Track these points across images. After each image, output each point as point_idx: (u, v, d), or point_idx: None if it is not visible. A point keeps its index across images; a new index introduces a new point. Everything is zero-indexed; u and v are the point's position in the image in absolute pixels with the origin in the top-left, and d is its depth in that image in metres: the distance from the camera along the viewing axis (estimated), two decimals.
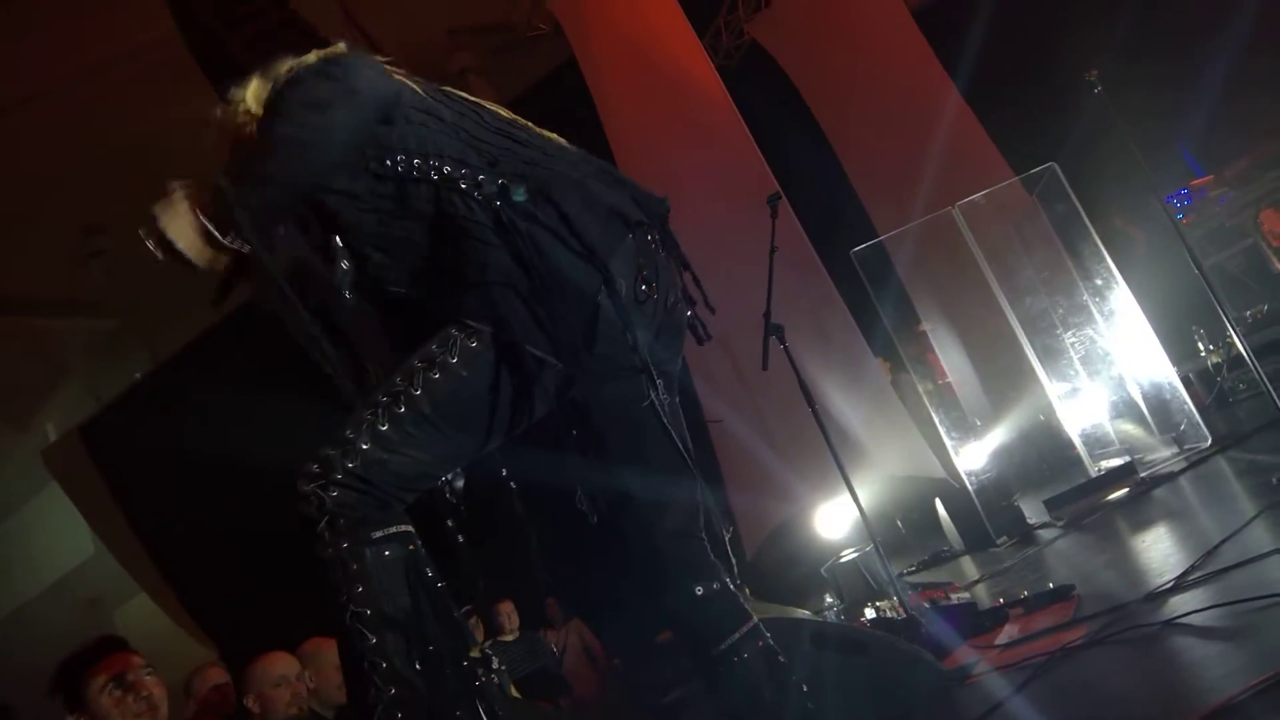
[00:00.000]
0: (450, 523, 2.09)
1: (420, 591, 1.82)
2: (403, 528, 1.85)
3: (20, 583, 11.44)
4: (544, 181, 1.89)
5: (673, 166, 6.44)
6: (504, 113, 2.10)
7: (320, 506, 1.78)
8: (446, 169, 1.89)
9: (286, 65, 1.87)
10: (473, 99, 2.10)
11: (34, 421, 11.11)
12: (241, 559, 8.45)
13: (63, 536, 11.27)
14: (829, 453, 3.97)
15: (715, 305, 2.23)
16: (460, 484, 2.06)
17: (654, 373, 1.94)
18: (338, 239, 1.97)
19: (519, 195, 1.87)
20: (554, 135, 2.10)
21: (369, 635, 1.75)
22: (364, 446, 1.80)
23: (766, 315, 4.77)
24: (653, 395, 1.94)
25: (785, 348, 4.69)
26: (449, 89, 2.11)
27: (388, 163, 1.91)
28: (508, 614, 6.74)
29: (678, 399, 2.18)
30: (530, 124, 2.09)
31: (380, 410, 1.83)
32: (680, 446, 2.03)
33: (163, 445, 9.33)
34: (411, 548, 1.85)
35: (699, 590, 2.04)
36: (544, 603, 7.28)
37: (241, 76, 1.90)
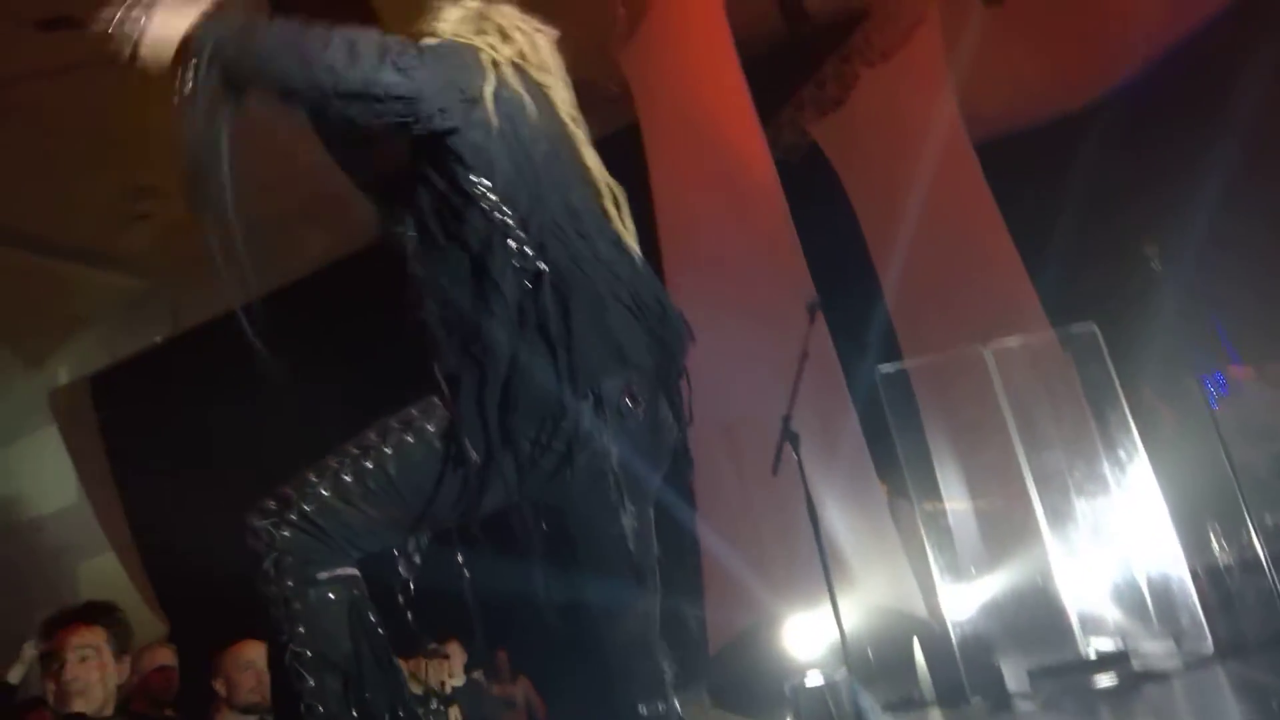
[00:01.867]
0: (400, 597, 2.01)
1: (361, 636, 1.81)
2: (348, 571, 1.83)
3: None
4: (572, 289, 1.84)
5: (714, 246, 6.42)
6: (592, 164, 2.02)
7: (270, 544, 1.77)
8: (510, 222, 1.84)
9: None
10: (574, 135, 2.01)
11: (48, 361, 11.19)
12: (214, 543, 8.37)
13: (48, 479, 11.28)
14: (814, 566, 3.87)
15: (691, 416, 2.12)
16: (417, 562, 2.00)
17: (624, 486, 1.88)
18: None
19: (544, 296, 1.82)
20: (624, 226, 2.02)
21: (307, 677, 1.74)
22: (323, 492, 1.79)
23: (786, 419, 4.75)
24: (621, 509, 1.89)
25: (798, 457, 4.62)
26: (568, 118, 2.01)
27: (471, 177, 1.84)
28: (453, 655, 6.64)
29: (651, 510, 2.10)
30: (610, 201, 2.02)
31: (347, 461, 1.82)
32: (641, 560, 1.97)
33: (165, 413, 9.36)
34: (356, 592, 1.84)
35: (643, 710, 1.98)
36: (494, 653, 7.18)
37: None
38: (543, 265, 1.83)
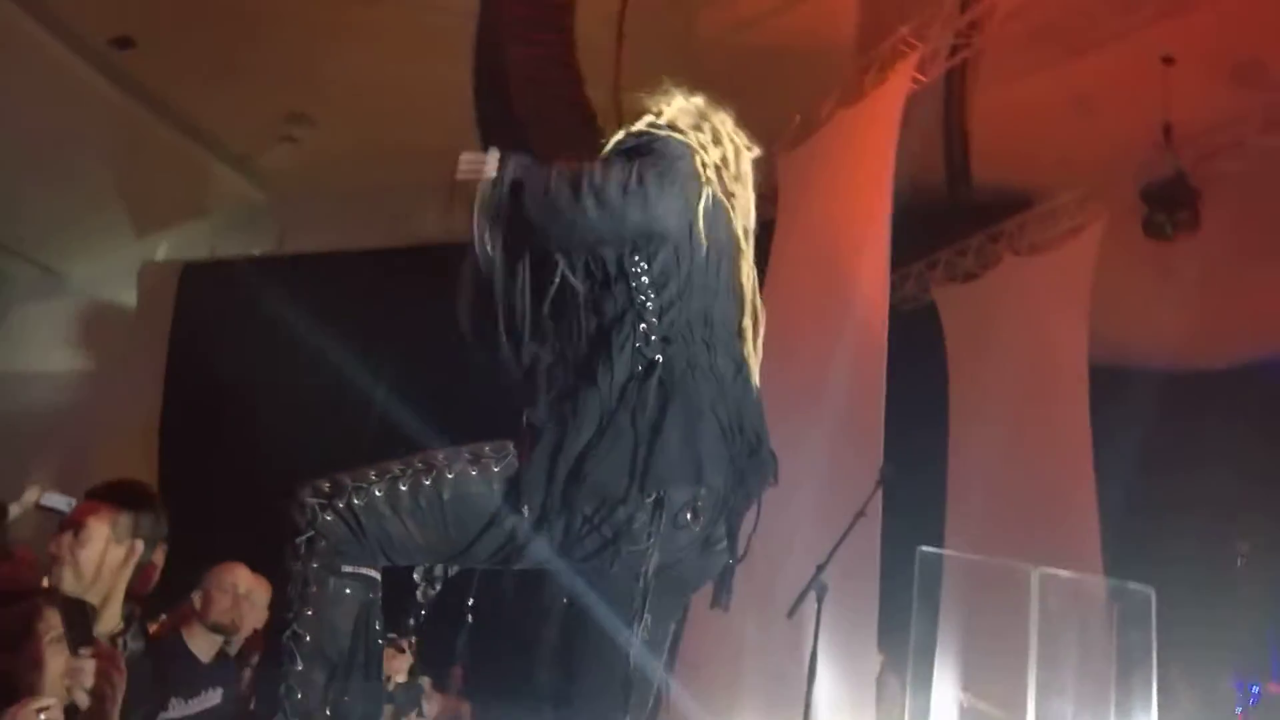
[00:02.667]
0: (411, 621, 2.08)
1: (361, 641, 1.84)
2: (372, 573, 1.87)
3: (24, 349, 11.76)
4: (676, 391, 1.85)
5: (803, 374, 6.34)
6: (746, 283, 2.05)
7: (310, 522, 1.80)
8: (649, 306, 1.87)
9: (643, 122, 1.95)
10: (740, 250, 2.05)
11: (155, 237, 11.57)
12: (234, 471, 8.49)
13: (101, 343, 11.53)
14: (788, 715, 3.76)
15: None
16: (434, 592, 2.03)
17: (649, 595, 1.85)
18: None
19: (649, 387, 1.84)
20: (752, 350, 2.04)
21: (299, 660, 1.77)
22: (376, 494, 1.82)
23: (820, 569, 4.72)
24: (637, 619, 1.86)
25: (820, 608, 4.59)
26: (741, 231, 2.04)
27: (635, 256, 1.88)
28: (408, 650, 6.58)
29: (671, 629, 2.11)
30: (749, 322, 2.04)
31: (409, 471, 1.85)
32: (635, 676, 1.92)
33: (235, 327, 9.56)
34: (372, 595, 1.87)
35: None
36: (451, 667, 7.09)
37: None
38: (659, 357, 1.85)
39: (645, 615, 1.86)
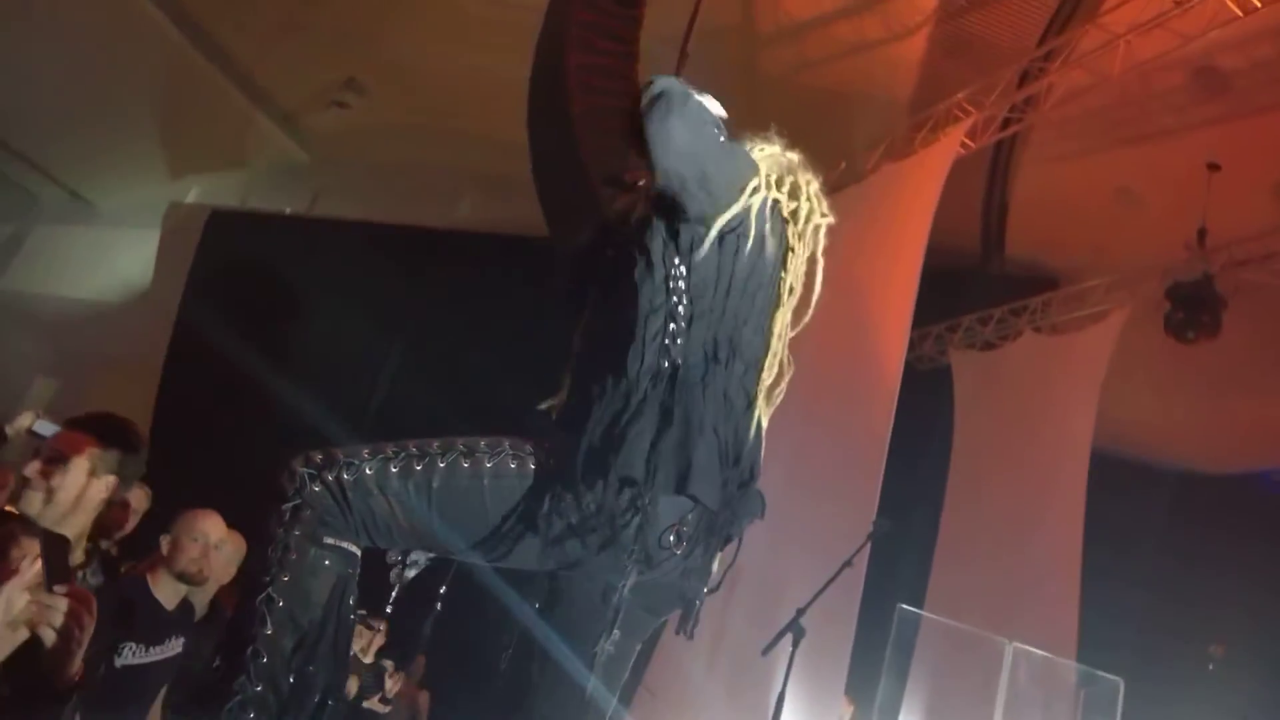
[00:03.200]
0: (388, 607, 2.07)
1: (334, 614, 1.83)
2: (352, 548, 1.86)
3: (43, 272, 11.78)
4: (681, 401, 1.86)
5: (805, 419, 6.37)
6: (778, 330, 2.05)
7: (298, 490, 1.81)
8: (680, 309, 1.90)
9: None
10: (781, 296, 2.07)
11: (189, 179, 11.62)
12: (229, 425, 8.49)
13: (120, 272, 11.57)
14: None
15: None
16: (410, 575, 2.05)
17: (622, 610, 1.86)
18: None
19: (661, 387, 1.86)
20: (765, 398, 2.04)
21: (269, 624, 1.76)
22: (367, 471, 1.83)
23: (800, 612, 4.75)
24: (607, 631, 1.87)
25: (794, 652, 4.63)
26: (790, 281, 2.07)
27: (675, 259, 1.91)
28: (379, 630, 6.58)
29: (637, 648, 2.12)
30: (771, 369, 2.04)
31: (402, 455, 1.86)
32: (596, 690, 1.96)
33: (255, 280, 9.59)
34: (350, 570, 1.86)
35: None
36: (415, 656, 7.08)
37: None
38: (680, 361, 1.87)
39: (615, 630, 1.87)
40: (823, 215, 2.09)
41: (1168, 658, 5.45)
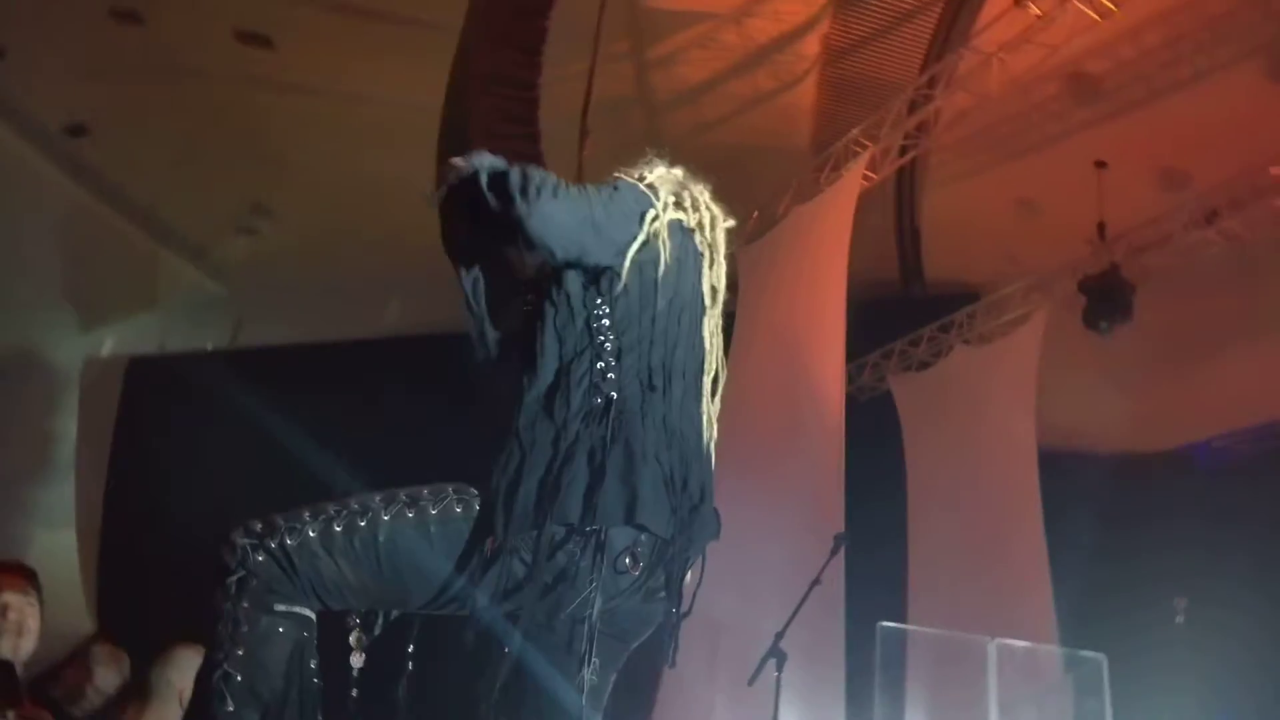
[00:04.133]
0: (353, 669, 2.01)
1: (295, 679, 1.81)
2: (305, 613, 1.84)
3: None
4: (620, 434, 1.86)
5: (760, 453, 6.45)
6: (709, 340, 2.06)
7: (242, 561, 1.79)
8: (607, 347, 1.91)
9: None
10: (704, 306, 2.08)
11: (100, 330, 11.36)
12: (171, 565, 8.21)
13: (43, 444, 11.16)
14: None
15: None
16: (371, 634, 1.99)
17: (592, 643, 1.83)
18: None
19: (594, 425, 1.86)
20: (707, 407, 2.06)
21: (229, 701, 1.73)
22: (310, 534, 1.81)
23: (779, 636, 4.75)
24: (586, 662, 1.83)
25: (779, 676, 4.64)
26: (709, 289, 2.08)
27: (598, 299, 1.92)
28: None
29: (613, 678, 2.08)
30: (708, 379, 2.05)
31: (345, 513, 1.84)
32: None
33: (187, 423, 9.36)
34: (305, 634, 1.84)
35: None
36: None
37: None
38: (614, 395, 1.88)
39: (595, 659, 1.84)
40: (723, 218, 2.13)
41: (1141, 626, 5.58)
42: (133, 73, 7.68)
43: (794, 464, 6.65)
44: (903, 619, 6.47)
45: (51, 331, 11.07)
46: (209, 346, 10.77)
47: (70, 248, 9.90)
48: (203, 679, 1.78)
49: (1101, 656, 5.35)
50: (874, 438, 7.59)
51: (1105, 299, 7.01)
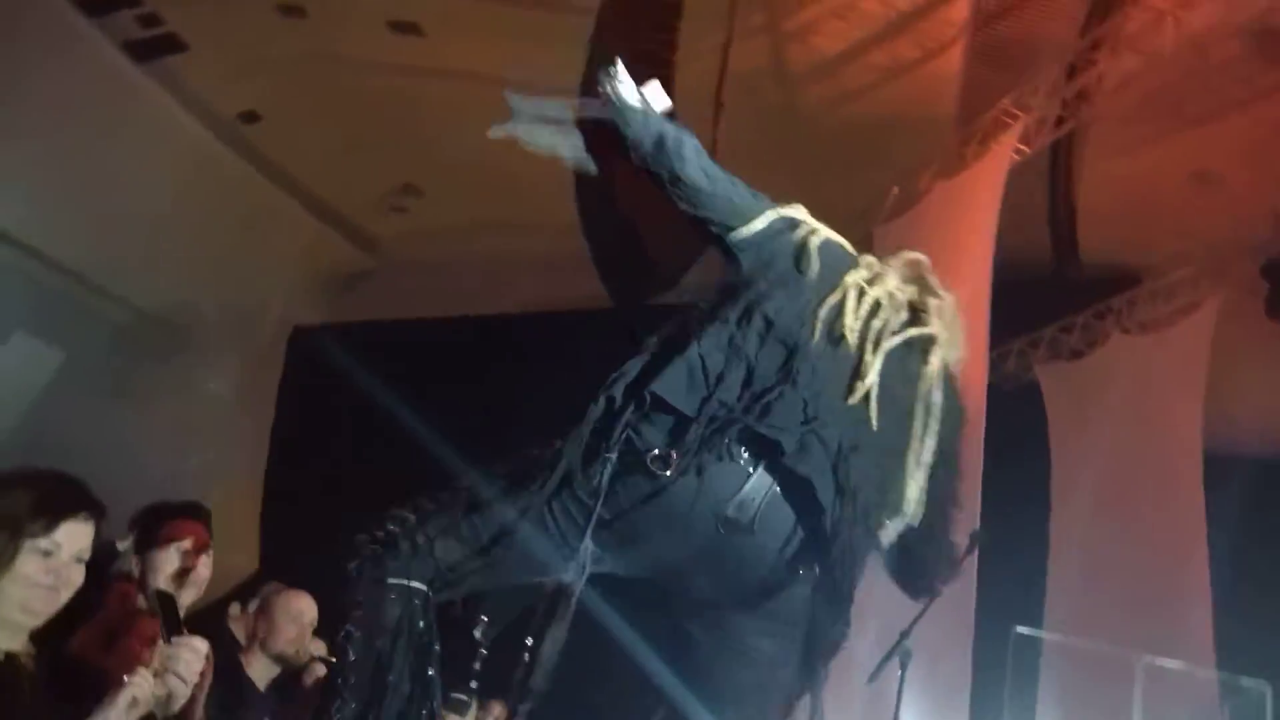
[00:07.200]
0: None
1: (404, 634, 1.98)
2: (419, 586, 2.01)
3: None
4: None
5: None
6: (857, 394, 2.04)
7: (386, 544, 2.01)
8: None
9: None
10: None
11: (265, 299, 11.99)
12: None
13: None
14: None
15: None
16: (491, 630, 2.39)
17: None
18: None
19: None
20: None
21: (349, 653, 1.97)
22: (433, 518, 2.03)
23: (904, 634, 4.52)
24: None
25: (903, 676, 4.49)
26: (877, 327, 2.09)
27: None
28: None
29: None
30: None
31: (462, 497, 2.05)
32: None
33: (341, 390, 9.75)
34: (416, 602, 2.00)
35: None
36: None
37: None
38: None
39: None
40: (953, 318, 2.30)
41: None
42: (297, 62, 8.18)
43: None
44: (1038, 627, 6.04)
45: (224, 296, 11.78)
46: (362, 318, 11.21)
47: (241, 224, 10.50)
48: (338, 638, 2.03)
49: (1265, 685, 4.89)
50: (1017, 431, 7.12)
51: None
